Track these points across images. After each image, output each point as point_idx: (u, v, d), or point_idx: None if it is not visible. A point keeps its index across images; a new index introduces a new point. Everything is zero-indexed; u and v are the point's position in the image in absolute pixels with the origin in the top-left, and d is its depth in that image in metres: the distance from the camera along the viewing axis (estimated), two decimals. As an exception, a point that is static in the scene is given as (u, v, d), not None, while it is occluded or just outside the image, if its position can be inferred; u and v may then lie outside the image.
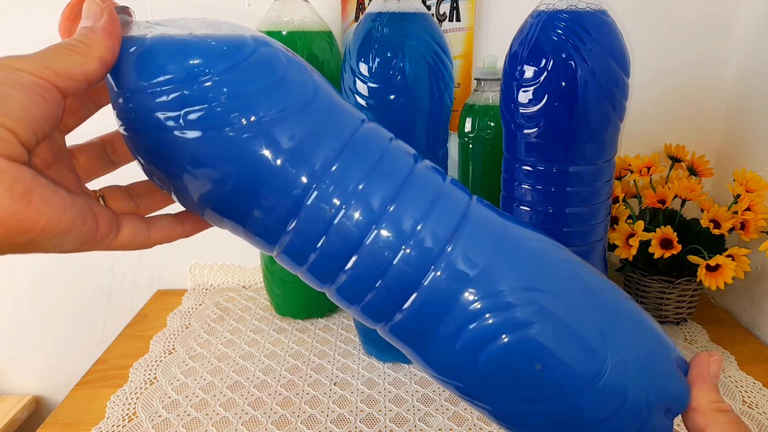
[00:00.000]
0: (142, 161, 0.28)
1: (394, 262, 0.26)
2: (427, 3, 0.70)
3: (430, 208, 0.27)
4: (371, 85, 0.51)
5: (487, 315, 0.26)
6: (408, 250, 0.26)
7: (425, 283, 0.27)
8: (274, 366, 0.62)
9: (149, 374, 0.61)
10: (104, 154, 0.31)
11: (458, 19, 0.71)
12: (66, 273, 0.82)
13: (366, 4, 0.71)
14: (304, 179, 0.26)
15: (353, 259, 0.27)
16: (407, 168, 0.28)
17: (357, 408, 0.55)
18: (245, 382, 0.59)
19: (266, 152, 0.25)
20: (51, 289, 0.83)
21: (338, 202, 0.26)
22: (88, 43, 0.25)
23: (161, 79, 0.25)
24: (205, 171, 0.26)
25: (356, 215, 0.26)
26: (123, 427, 0.53)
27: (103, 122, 0.32)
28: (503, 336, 0.26)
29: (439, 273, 0.26)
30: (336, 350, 0.65)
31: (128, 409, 0.55)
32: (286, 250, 0.28)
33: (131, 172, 0.32)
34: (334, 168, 0.26)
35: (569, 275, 0.28)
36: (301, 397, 0.57)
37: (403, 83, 0.51)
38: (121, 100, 0.27)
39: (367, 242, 0.26)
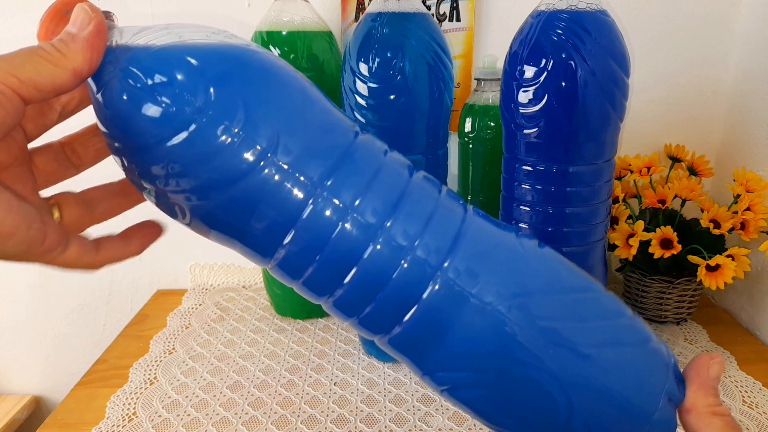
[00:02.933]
0: (128, 175, 0.27)
1: (393, 276, 0.26)
2: (427, 3, 0.70)
3: (427, 222, 0.27)
4: (371, 85, 0.51)
5: (487, 327, 0.26)
6: (406, 265, 0.26)
7: (425, 297, 0.26)
8: (274, 366, 0.62)
9: (149, 374, 0.61)
10: (63, 156, 0.30)
11: (458, 19, 0.71)
12: (66, 273, 0.82)
13: (366, 4, 0.71)
14: (300, 194, 0.25)
15: (351, 273, 0.26)
16: (403, 182, 0.28)
17: (357, 408, 0.55)
18: (245, 382, 0.59)
19: (263, 168, 0.25)
20: (51, 289, 0.83)
21: (335, 217, 0.26)
22: (65, 52, 0.24)
23: (147, 93, 0.24)
24: (196, 187, 0.25)
25: (354, 230, 0.26)
26: (123, 427, 0.53)
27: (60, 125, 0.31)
28: (505, 348, 0.26)
29: (437, 287, 0.26)
30: (336, 350, 0.65)
31: (128, 409, 0.55)
32: (282, 264, 0.28)
33: (91, 178, 0.31)
34: (329, 183, 0.26)
35: (564, 286, 0.29)
36: (301, 397, 0.57)
37: (403, 83, 0.51)
38: (103, 111, 0.26)
39: (365, 257, 0.26)
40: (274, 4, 0.61)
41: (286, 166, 0.25)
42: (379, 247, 0.26)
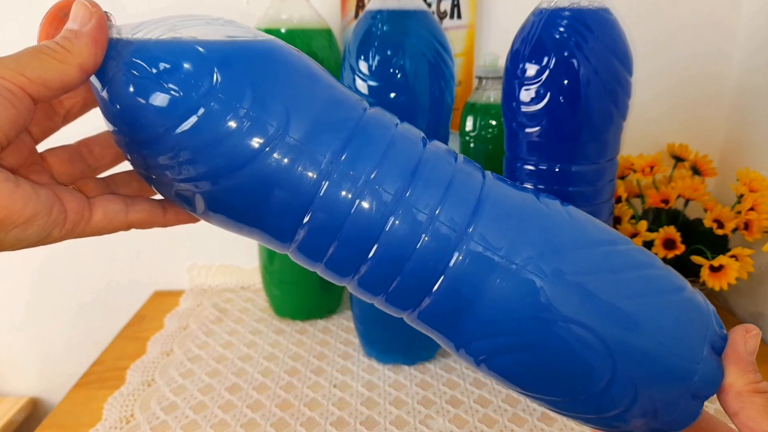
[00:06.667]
0: (140, 171, 0.27)
1: (417, 247, 0.26)
2: (428, 0, 0.69)
3: (447, 189, 0.26)
4: (371, 83, 0.50)
5: (518, 288, 0.26)
6: (429, 234, 0.26)
7: (451, 265, 0.26)
8: (273, 368, 0.61)
9: (146, 376, 0.60)
10: (79, 157, 0.30)
11: (459, 17, 0.70)
12: (63, 274, 0.81)
13: (366, 1, 0.70)
14: (315, 170, 0.25)
15: (374, 248, 0.26)
16: (418, 151, 0.27)
17: (357, 410, 0.55)
18: (244, 384, 0.59)
19: (275, 147, 0.25)
20: (48, 290, 0.83)
21: (352, 192, 0.26)
22: (70, 48, 0.24)
23: (153, 82, 0.24)
24: (208, 173, 0.25)
25: (373, 203, 0.26)
26: (120, 429, 0.52)
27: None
28: (538, 306, 0.26)
29: (463, 254, 0.26)
30: (335, 352, 0.64)
31: (126, 411, 0.55)
32: (302, 247, 0.27)
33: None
34: (343, 158, 0.26)
35: (592, 239, 0.28)
36: (300, 399, 0.56)
37: (403, 81, 0.50)
38: (110, 108, 0.26)
39: (386, 230, 0.26)
40: (273, 2, 0.61)
41: (298, 143, 0.25)
42: (399, 218, 0.26)
